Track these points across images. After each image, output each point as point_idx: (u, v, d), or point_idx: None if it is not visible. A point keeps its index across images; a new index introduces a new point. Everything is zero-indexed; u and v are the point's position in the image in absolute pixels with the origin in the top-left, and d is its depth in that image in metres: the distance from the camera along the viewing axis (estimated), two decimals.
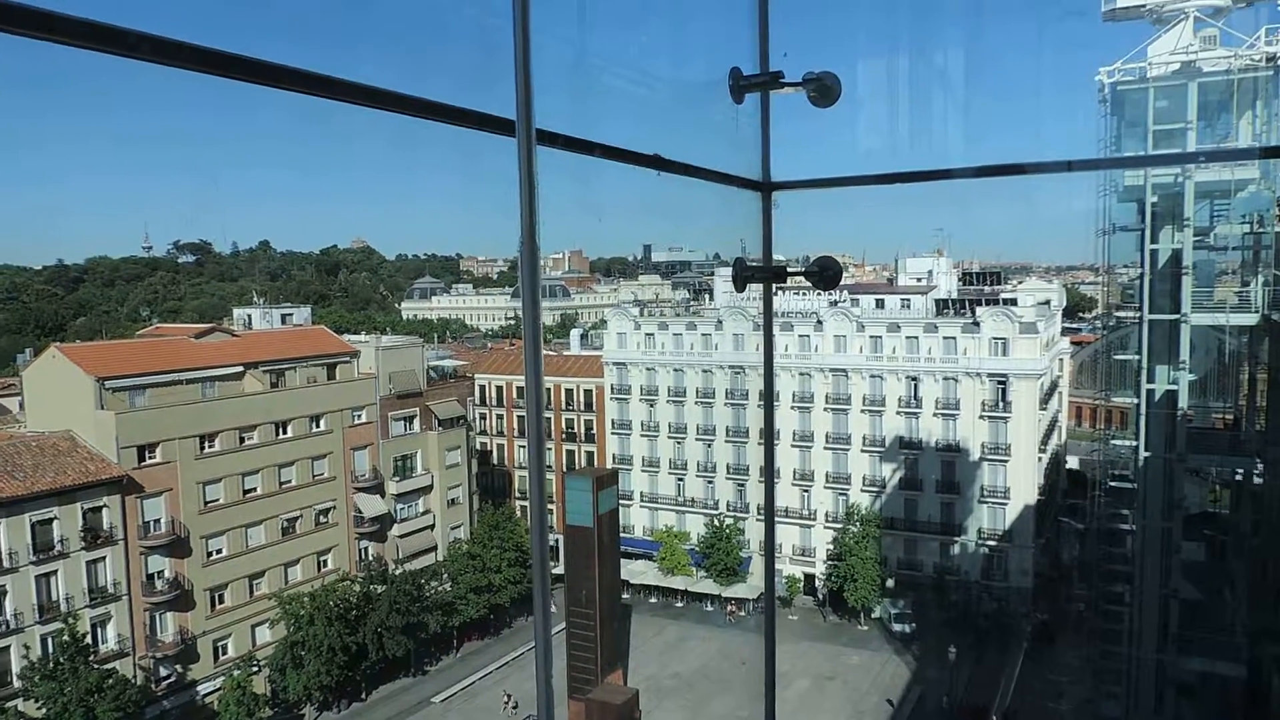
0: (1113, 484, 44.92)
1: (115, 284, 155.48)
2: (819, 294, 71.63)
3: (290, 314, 72.74)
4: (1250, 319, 35.58)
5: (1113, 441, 47.66)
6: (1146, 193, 35.82)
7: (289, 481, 54.41)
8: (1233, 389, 47.57)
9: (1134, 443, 38.63)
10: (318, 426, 56.20)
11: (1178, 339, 35.75)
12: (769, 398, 3.59)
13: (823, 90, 2.79)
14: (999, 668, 53.62)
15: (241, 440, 51.79)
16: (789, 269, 2.91)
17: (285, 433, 54.34)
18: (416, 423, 62.54)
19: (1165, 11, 34.88)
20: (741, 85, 2.87)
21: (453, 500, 64.68)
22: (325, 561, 56.50)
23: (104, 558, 45.18)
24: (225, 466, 50.72)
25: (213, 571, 50.08)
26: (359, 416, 58.63)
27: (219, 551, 50.53)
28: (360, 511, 58.06)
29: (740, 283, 2.87)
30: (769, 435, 3.16)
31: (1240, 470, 40.98)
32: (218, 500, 50.42)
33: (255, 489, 52.46)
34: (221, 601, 50.69)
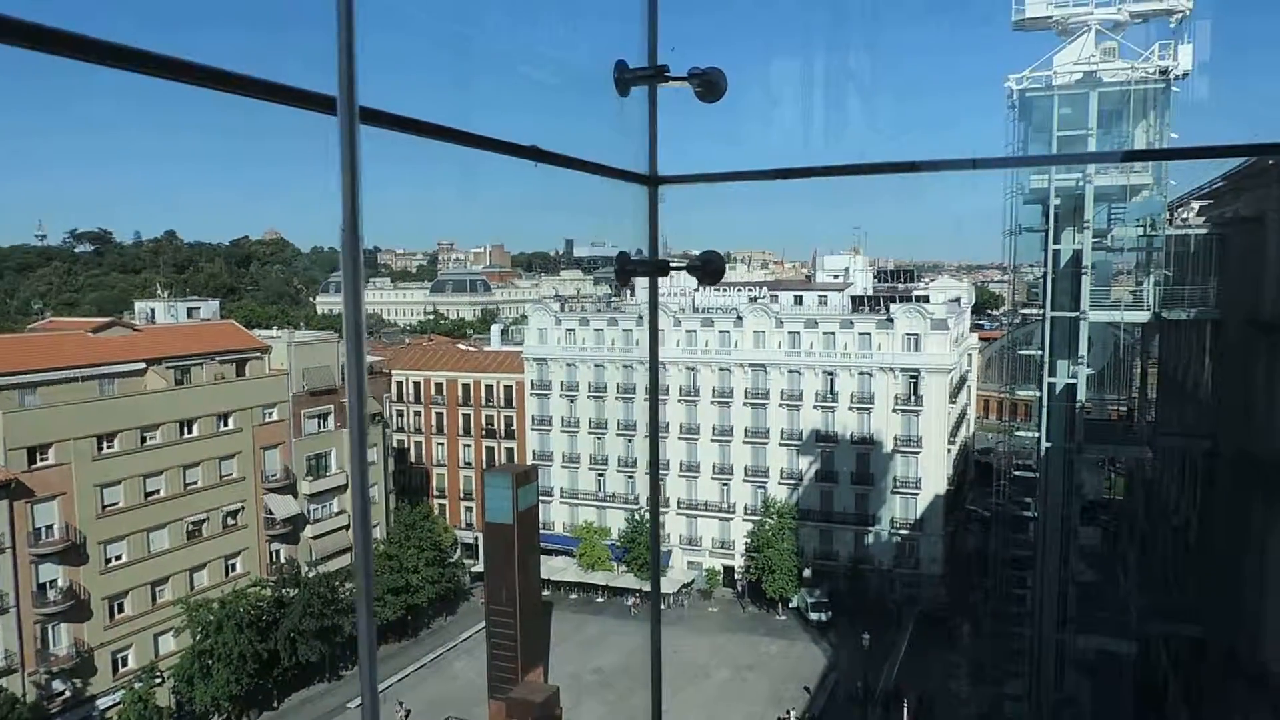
0: (1017, 473, 46.78)
1: (4, 274, 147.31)
2: (739, 290, 72.52)
3: (197, 308, 70.16)
4: (1142, 317, 37.30)
5: (1017, 433, 49.58)
6: (1050, 195, 37.22)
7: (195, 483, 52.34)
8: (1126, 382, 49.97)
9: (1036, 434, 40.13)
10: (226, 425, 54.21)
11: (1077, 335, 37.24)
12: (654, 391, 3.51)
13: (708, 85, 2.75)
14: (910, 651, 55.19)
15: (143, 440, 49.58)
16: (672, 264, 2.84)
17: (191, 432, 52.26)
18: (331, 420, 60.90)
19: (1070, 23, 36.27)
20: (626, 78, 2.79)
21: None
22: (234, 565, 54.58)
23: None
24: (125, 468, 48.46)
25: (111, 579, 47.81)
26: (270, 414, 56.80)
27: (118, 558, 48.28)
28: (271, 513, 56.26)
29: (623, 276, 2.79)
30: (654, 429, 3.10)
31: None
32: (117, 504, 48.14)
33: (158, 491, 50.31)
34: (121, 610, 48.45)
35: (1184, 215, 42.14)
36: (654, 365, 3.47)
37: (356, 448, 1.40)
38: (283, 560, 56.80)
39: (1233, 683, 29.19)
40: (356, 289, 1.34)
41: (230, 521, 54.45)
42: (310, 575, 54.71)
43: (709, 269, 2.85)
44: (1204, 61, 34.37)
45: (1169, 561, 41.59)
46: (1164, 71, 33.93)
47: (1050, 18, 36.22)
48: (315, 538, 58.88)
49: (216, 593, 50.94)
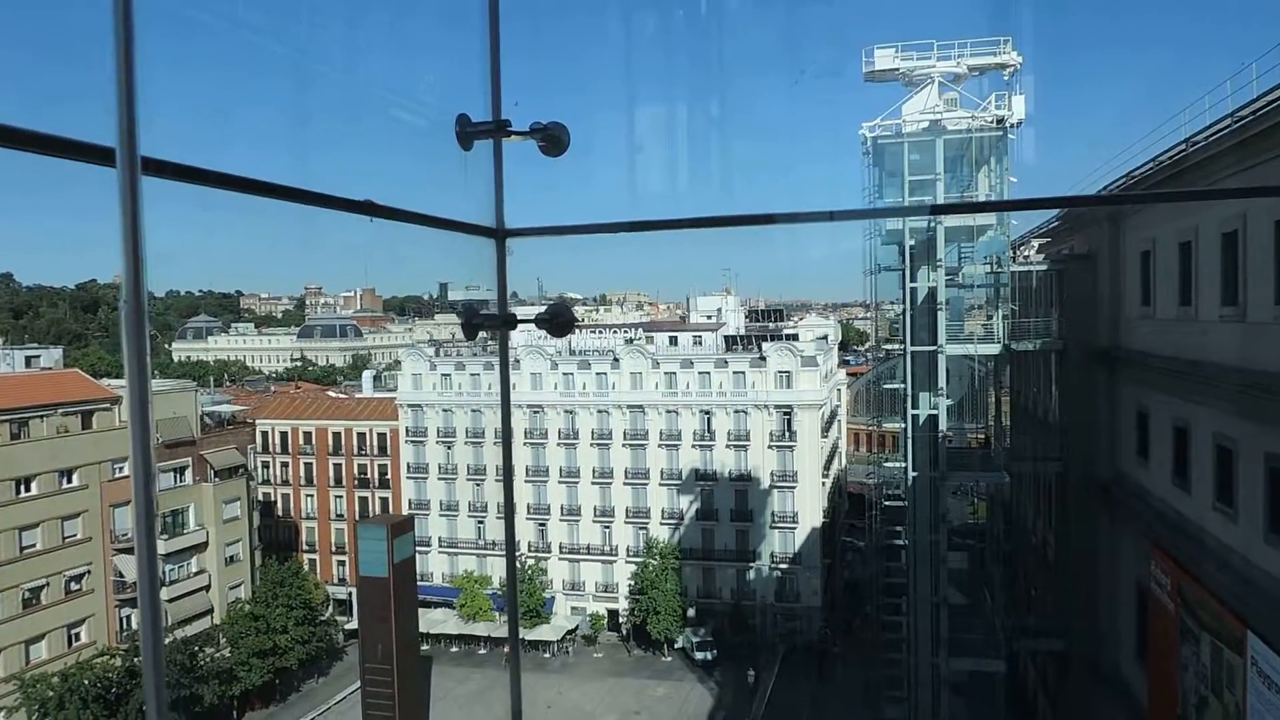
0: (887, 503, 48.47)
1: None
2: (615, 332, 73.01)
3: (37, 356, 65.03)
4: (994, 349, 39.55)
5: (885, 464, 51.50)
6: (905, 236, 39.23)
7: (33, 545, 48.26)
8: (983, 411, 52.81)
9: (903, 464, 41.73)
10: (70, 482, 50.37)
11: (936, 368, 39.12)
12: (506, 438, 3.45)
13: (551, 140, 2.74)
14: (792, 683, 55.96)
15: None
16: (519, 317, 2.78)
17: (29, 490, 48.27)
18: (189, 474, 57.43)
19: (915, 75, 38.66)
20: (469, 132, 2.75)
21: (232, 557, 59.70)
22: (79, 634, 50.42)
23: None
24: None
25: None
26: (120, 469, 53.01)
27: None
28: (122, 575, 52.31)
29: (470, 330, 2.70)
30: (506, 474, 3.08)
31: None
32: None
33: None
34: None
35: (1026, 253, 45.26)
36: (506, 412, 3.40)
37: (142, 513, 1.26)
38: (134, 626, 52.76)
39: (1093, 690, 30.90)
40: (141, 349, 1.20)
41: (74, 586, 50.35)
42: (166, 641, 50.92)
43: (557, 321, 2.80)
44: (1032, 113, 37.31)
45: (1031, 579, 43.88)
46: (1000, 121, 36.55)
47: (897, 69, 38.51)
48: (171, 600, 54.97)
49: (58, 665, 46.77)
